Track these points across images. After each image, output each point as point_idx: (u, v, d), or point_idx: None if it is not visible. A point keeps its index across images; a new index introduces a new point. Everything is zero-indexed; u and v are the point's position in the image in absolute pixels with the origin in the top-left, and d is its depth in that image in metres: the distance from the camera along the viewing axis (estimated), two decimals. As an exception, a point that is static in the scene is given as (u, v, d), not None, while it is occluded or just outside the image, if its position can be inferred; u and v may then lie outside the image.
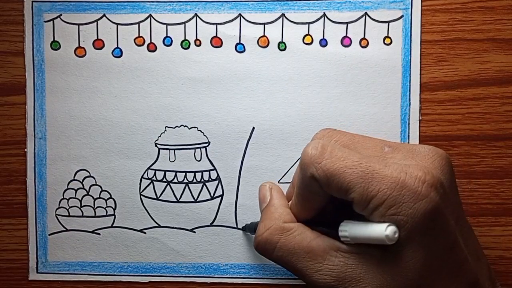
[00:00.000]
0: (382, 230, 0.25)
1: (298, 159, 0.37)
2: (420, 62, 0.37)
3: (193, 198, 0.38)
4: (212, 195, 0.38)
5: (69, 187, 0.38)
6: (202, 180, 0.38)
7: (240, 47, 0.37)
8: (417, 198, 0.25)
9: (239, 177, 0.38)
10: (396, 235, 0.25)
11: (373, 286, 0.27)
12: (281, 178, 0.37)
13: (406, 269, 0.26)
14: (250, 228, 0.36)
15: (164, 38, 0.38)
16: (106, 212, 0.38)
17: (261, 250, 0.31)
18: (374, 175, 0.26)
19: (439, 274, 0.27)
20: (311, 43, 0.37)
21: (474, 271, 0.28)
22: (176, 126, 0.38)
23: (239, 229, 0.38)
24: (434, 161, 0.28)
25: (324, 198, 0.28)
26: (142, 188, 0.38)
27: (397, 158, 0.28)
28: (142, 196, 0.38)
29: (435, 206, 0.25)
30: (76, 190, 0.38)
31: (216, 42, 0.37)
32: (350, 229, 0.27)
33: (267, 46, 0.37)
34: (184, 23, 0.37)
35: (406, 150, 0.29)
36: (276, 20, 0.37)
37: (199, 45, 0.37)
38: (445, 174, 0.28)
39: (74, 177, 0.38)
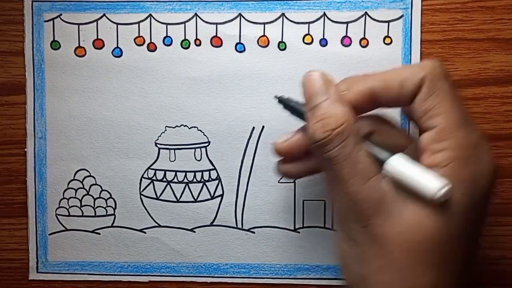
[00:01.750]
0: (435, 187, 0.25)
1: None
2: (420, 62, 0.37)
3: (193, 197, 0.38)
4: (212, 194, 0.38)
5: (69, 186, 0.38)
6: (202, 180, 0.38)
7: (240, 47, 0.37)
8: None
9: (239, 176, 0.38)
10: (448, 196, 0.25)
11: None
12: (281, 178, 0.37)
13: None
14: (287, 105, 0.32)
15: (164, 38, 0.38)
16: (106, 211, 0.38)
17: (320, 145, 0.28)
18: (472, 127, 0.27)
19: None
20: (311, 42, 0.37)
21: None
22: (176, 126, 0.38)
23: (239, 228, 0.38)
24: None
25: (393, 103, 0.28)
26: (142, 188, 0.38)
27: None
28: (142, 196, 0.38)
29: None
30: (76, 190, 0.38)
31: (216, 41, 0.37)
32: (400, 168, 0.26)
33: (267, 45, 0.37)
34: (184, 22, 0.37)
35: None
36: (276, 19, 0.37)
37: (199, 45, 0.37)
38: None
39: (74, 176, 0.38)
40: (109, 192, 0.38)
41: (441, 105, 0.26)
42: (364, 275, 0.28)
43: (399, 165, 0.26)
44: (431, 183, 0.25)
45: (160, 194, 0.38)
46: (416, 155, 0.27)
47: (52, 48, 0.38)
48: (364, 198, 0.27)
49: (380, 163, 0.27)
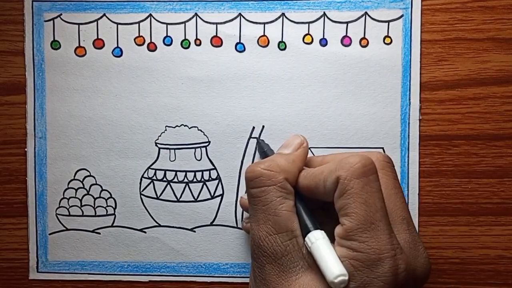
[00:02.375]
0: (334, 273, 0.26)
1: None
2: (420, 62, 0.37)
3: (193, 197, 0.38)
4: (212, 194, 0.38)
5: (69, 186, 0.38)
6: (202, 180, 0.38)
7: (240, 47, 0.37)
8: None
9: (239, 176, 0.38)
10: (342, 286, 0.26)
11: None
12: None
13: None
14: (261, 147, 0.36)
15: (164, 38, 0.38)
16: (106, 211, 0.38)
17: (249, 178, 0.30)
18: (377, 233, 0.27)
19: None
20: (311, 42, 0.37)
21: None
22: (176, 126, 0.38)
23: (239, 228, 0.38)
24: None
25: (326, 198, 0.29)
26: (142, 188, 0.38)
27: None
28: (142, 196, 0.38)
29: None
30: (76, 190, 0.38)
31: (216, 41, 0.37)
32: (314, 244, 0.27)
33: (267, 45, 0.37)
34: (184, 22, 0.38)
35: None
36: (276, 19, 0.37)
37: (199, 45, 0.37)
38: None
39: (74, 176, 0.38)
40: (109, 192, 0.38)
41: (349, 206, 0.27)
42: None
43: (317, 241, 0.28)
44: (334, 267, 0.26)
45: (160, 194, 0.38)
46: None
47: (52, 48, 0.38)
48: (266, 246, 0.29)
49: (305, 230, 0.29)
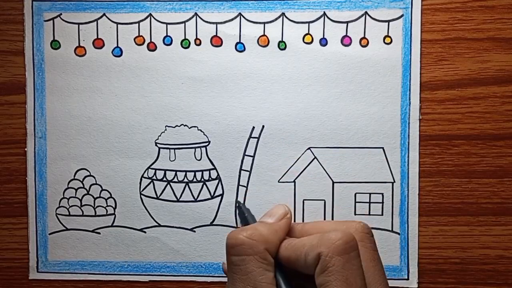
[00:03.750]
0: None
1: (299, 159, 0.36)
2: (420, 61, 0.37)
3: (193, 197, 0.38)
4: (212, 194, 0.38)
5: (69, 186, 0.38)
6: (202, 180, 0.38)
7: (240, 46, 0.37)
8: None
9: (239, 176, 0.38)
10: None
11: None
12: (281, 178, 0.37)
13: None
14: (241, 212, 0.35)
15: (164, 37, 0.38)
16: (106, 211, 0.38)
17: (230, 244, 0.30)
18: None
19: None
20: (311, 42, 0.37)
21: None
22: (176, 126, 0.38)
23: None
24: None
25: (307, 271, 0.29)
26: (142, 187, 0.38)
27: None
28: (142, 196, 0.38)
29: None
30: (76, 190, 0.38)
31: (216, 41, 0.37)
32: None
33: (267, 45, 0.37)
34: (184, 22, 0.37)
35: None
36: (276, 19, 0.37)
37: (199, 45, 0.37)
38: None
39: (74, 176, 0.38)
40: (109, 192, 0.38)
41: (331, 284, 0.27)
42: None
43: None
44: None
45: (160, 194, 0.38)
46: None
47: (52, 48, 0.38)
48: None
49: None
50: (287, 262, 0.30)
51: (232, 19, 0.37)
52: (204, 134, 0.38)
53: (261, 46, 0.37)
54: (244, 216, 0.34)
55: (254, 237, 0.30)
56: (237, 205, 0.37)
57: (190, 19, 0.37)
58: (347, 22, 0.37)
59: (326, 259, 0.27)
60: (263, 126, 0.37)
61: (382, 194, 0.37)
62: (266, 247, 0.30)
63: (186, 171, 0.38)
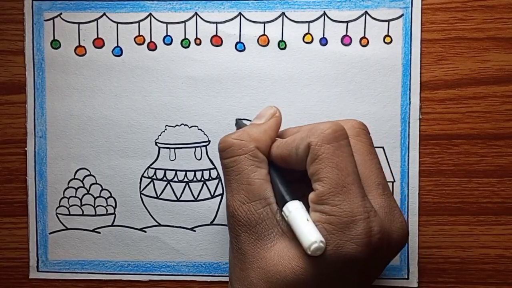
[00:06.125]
0: (310, 240, 0.26)
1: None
2: (420, 61, 0.37)
3: (193, 197, 0.38)
4: (212, 194, 0.38)
5: (69, 186, 0.38)
6: (202, 179, 0.38)
7: (240, 46, 0.37)
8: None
9: (239, 176, 0.38)
10: (319, 253, 0.26)
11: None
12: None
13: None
14: (239, 127, 0.36)
15: (164, 37, 0.38)
16: (107, 210, 0.38)
17: (220, 148, 0.31)
18: (349, 196, 0.27)
19: None
20: (311, 42, 0.37)
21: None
22: (176, 125, 0.38)
23: None
24: None
25: (300, 166, 0.29)
26: (142, 187, 0.38)
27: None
28: (142, 195, 0.38)
29: None
30: (76, 189, 0.38)
31: (216, 41, 0.37)
32: (291, 214, 0.28)
33: (267, 45, 0.37)
34: (184, 22, 0.37)
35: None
36: (276, 18, 0.37)
37: (199, 44, 0.37)
38: None
39: (74, 176, 0.38)
40: (109, 191, 0.38)
41: (321, 171, 0.27)
42: (231, 278, 0.31)
43: (294, 209, 0.28)
44: (311, 234, 0.27)
45: (160, 193, 0.38)
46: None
47: (52, 47, 0.38)
48: (240, 215, 0.29)
49: (282, 201, 0.29)
50: (280, 161, 0.30)
51: (232, 19, 0.37)
52: (204, 133, 0.38)
53: (261, 45, 0.37)
54: (240, 127, 0.35)
55: (243, 138, 0.30)
56: (235, 122, 0.37)
57: (190, 18, 0.37)
58: (347, 22, 0.37)
59: (316, 148, 0.28)
60: (263, 126, 0.37)
61: (382, 193, 0.37)
62: (256, 145, 0.30)
63: (186, 171, 0.38)
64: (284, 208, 0.28)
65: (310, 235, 0.26)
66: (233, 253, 0.30)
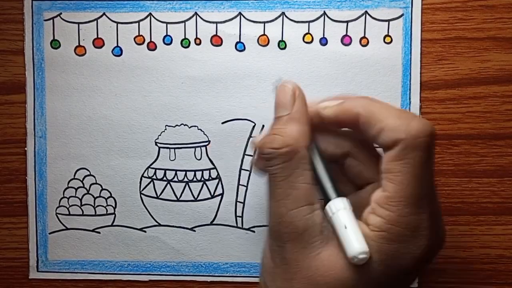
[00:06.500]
0: (355, 250, 0.25)
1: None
2: (421, 61, 0.37)
3: (193, 196, 0.38)
4: (212, 193, 0.38)
5: (69, 185, 0.38)
6: (202, 179, 0.38)
7: (240, 46, 0.37)
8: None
9: (239, 175, 0.38)
10: (362, 263, 0.25)
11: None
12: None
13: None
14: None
15: (164, 37, 0.38)
16: (106, 210, 0.38)
17: (267, 158, 0.28)
18: (420, 210, 0.26)
19: None
20: (311, 41, 0.37)
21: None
22: (176, 125, 0.38)
23: (239, 227, 0.38)
24: None
25: (361, 133, 0.28)
26: (142, 187, 0.38)
27: None
28: (142, 195, 0.38)
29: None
30: (76, 189, 0.38)
31: (216, 40, 0.37)
32: (336, 216, 0.26)
33: (267, 44, 0.37)
34: (184, 21, 0.37)
35: None
36: (276, 18, 0.37)
37: (199, 44, 0.37)
38: None
39: (74, 176, 0.38)
40: (109, 191, 0.38)
41: (401, 175, 0.26)
42: None
43: (338, 212, 0.26)
44: (355, 243, 0.25)
45: (160, 193, 0.38)
46: (365, 198, 0.28)
47: (52, 47, 0.38)
48: (287, 222, 0.27)
49: (325, 197, 0.27)
50: (352, 119, 0.28)
51: (232, 19, 0.37)
52: (204, 133, 0.38)
53: (261, 45, 0.37)
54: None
55: (286, 143, 0.28)
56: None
57: (190, 18, 0.37)
58: (347, 22, 0.37)
59: (407, 149, 0.25)
60: (263, 126, 0.37)
61: (382, 193, 0.37)
62: (300, 145, 0.28)
63: (186, 171, 0.38)
64: (327, 207, 0.27)
65: (355, 243, 0.25)
66: (274, 263, 0.28)
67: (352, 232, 0.25)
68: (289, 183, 0.27)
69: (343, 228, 0.26)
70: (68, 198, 0.38)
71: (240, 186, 0.38)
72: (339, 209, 0.26)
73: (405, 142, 0.25)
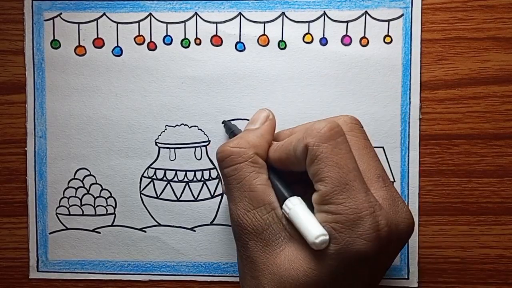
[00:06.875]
0: (314, 234, 0.26)
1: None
2: (421, 61, 0.37)
3: (193, 196, 0.38)
4: (212, 193, 0.38)
5: (69, 185, 0.38)
6: (202, 179, 0.38)
7: (240, 46, 0.37)
8: None
9: (239, 176, 0.38)
10: (324, 246, 0.27)
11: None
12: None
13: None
14: (228, 128, 0.36)
15: (164, 37, 0.38)
16: (107, 210, 0.38)
17: (219, 158, 0.31)
18: (353, 193, 0.27)
19: None
20: (311, 41, 0.37)
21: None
22: (176, 125, 0.38)
23: None
24: None
25: (299, 168, 0.29)
26: (142, 187, 0.38)
27: (378, 196, 0.29)
28: (142, 195, 0.38)
29: None
30: (76, 189, 0.38)
31: (216, 41, 0.37)
32: (291, 211, 0.28)
33: (267, 44, 0.37)
34: (184, 21, 0.37)
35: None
36: (276, 18, 0.37)
37: (199, 44, 0.37)
38: None
39: (74, 176, 0.38)
40: (109, 191, 0.38)
41: (322, 171, 0.27)
42: (243, 287, 0.30)
43: (294, 206, 0.28)
44: (313, 228, 0.27)
45: (160, 193, 0.38)
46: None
47: (52, 47, 0.38)
48: (246, 223, 0.29)
49: (282, 199, 0.29)
50: (279, 163, 0.30)
51: (232, 19, 0.37)
52: (204, 133, 0.38)
53: (261, 45, 0.37)
54: (231, 131, 0.35)
55: (242, 145, 0.30)
56: (223, 123, 0.37)
57: (190, 18, 0.37)
58: (347, 22, 0.37)
59: (314, 148, 0.27)
60: (263, 126, 0.37)
61: (382, 193, 0.37)
62: (255, 151, 0.30)
63: (186, 171, 0.38)
64: (284, 206, 0.28)
65: (314, 229, 0.27)
66: (242, 262, 0.30)
67: (309, 221, 0.27)
68: (244, 186, 0.29)
69: (300, 219, 0.27)
70: (68, 198, 0.38)
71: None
72: (295, 204, 0.28)
73: (310, 143, 0.28)
